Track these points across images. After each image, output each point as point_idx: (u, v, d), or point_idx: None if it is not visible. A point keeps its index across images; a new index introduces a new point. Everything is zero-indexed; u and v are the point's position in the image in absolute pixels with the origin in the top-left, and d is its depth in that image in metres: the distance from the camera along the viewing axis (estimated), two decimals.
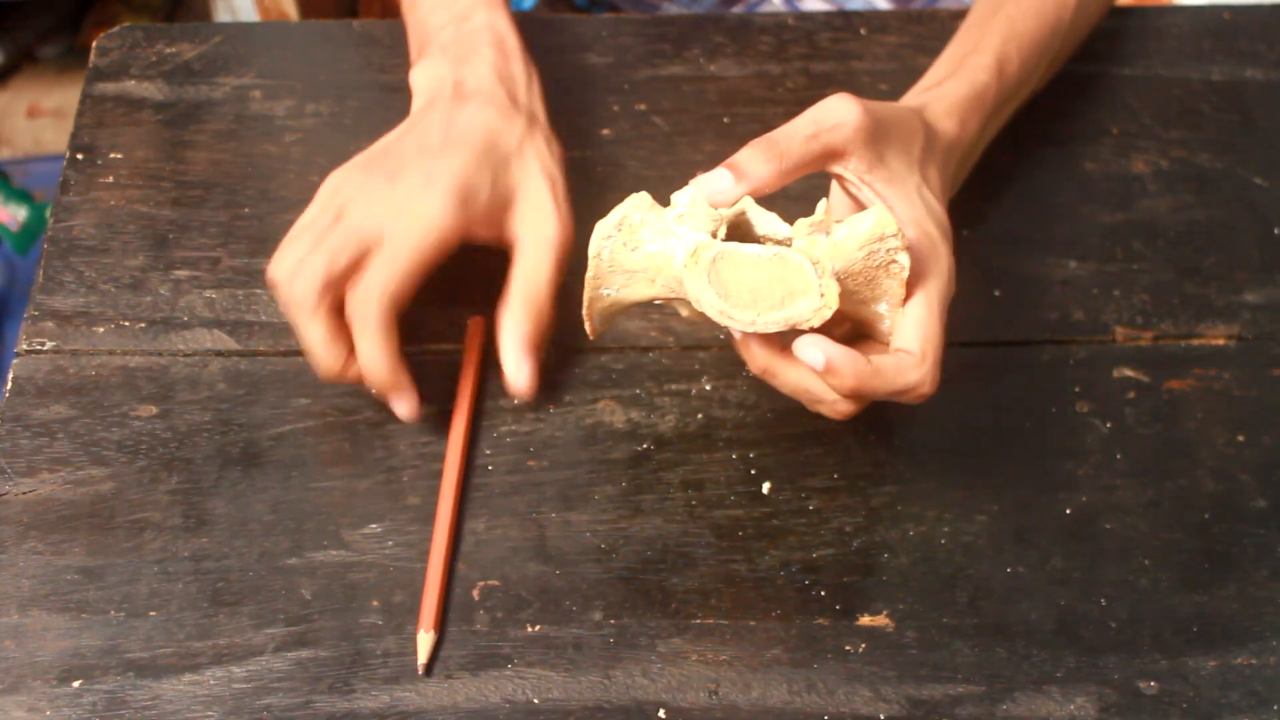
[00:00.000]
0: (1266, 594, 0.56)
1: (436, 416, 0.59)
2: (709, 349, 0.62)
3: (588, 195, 0.66)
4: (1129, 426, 0.60)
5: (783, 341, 0.49)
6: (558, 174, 0.60)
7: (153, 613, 0.53)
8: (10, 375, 0.60)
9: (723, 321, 0.47)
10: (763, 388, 0.56)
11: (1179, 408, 0.61)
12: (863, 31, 0.74)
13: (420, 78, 0.61)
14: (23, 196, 1.50)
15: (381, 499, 0.57)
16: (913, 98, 0.59)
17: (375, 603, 0.54)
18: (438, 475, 0.57)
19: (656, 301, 0.51)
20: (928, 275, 0.50)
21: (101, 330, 0.61)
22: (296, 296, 0.54)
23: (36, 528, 0.55)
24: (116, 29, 0.73)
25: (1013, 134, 0.66)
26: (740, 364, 0.61)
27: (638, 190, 0.49)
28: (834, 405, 0.51)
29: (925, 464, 0.59)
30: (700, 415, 0.60)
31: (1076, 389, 0.61)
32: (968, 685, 0.53)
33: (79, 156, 0.67)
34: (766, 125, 0.50)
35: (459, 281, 0.60)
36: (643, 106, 0.70)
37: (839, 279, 0.48)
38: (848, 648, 0.54)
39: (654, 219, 0.49)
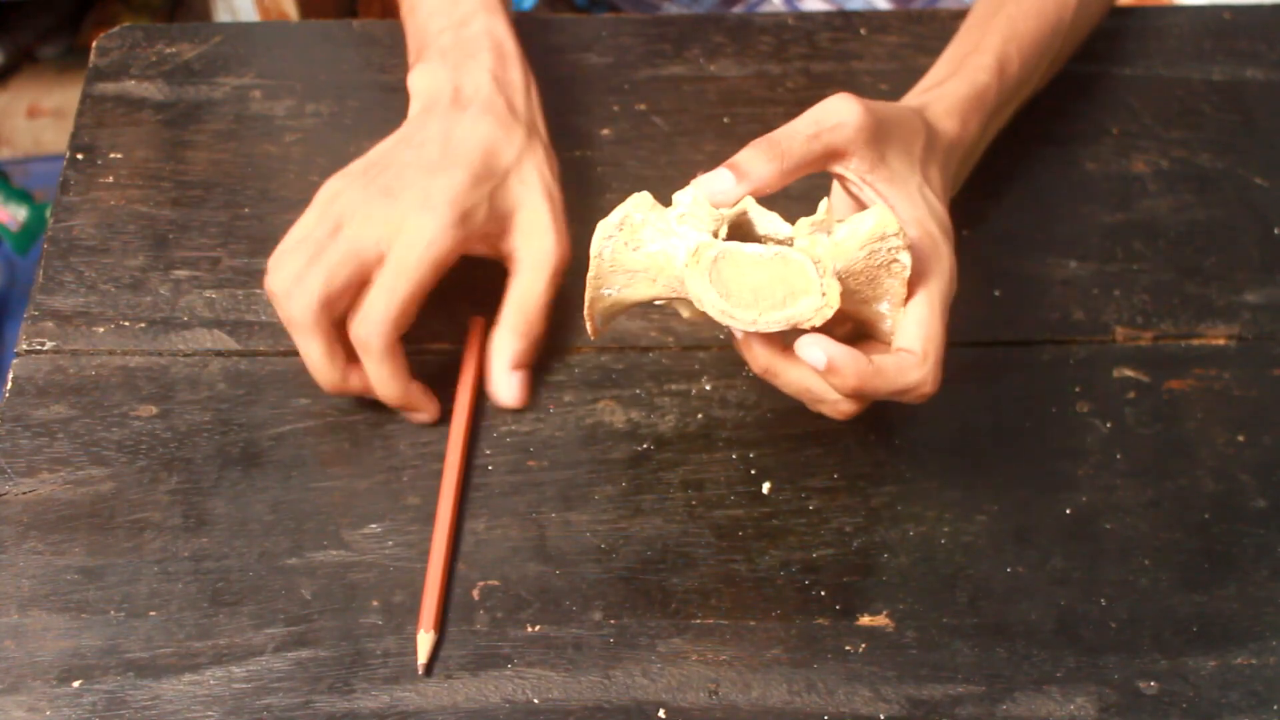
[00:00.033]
0: (1266, 594, 0.56)
1: (439, 417, 0.59)
2: (709, 349, 0.62)
3: (588, 195, 0.66)
4: (1129, 426, 0.60)
5: (784, 341, 0.49)
6: (555, 189, 0.60)
7: (153, 613, 0.53)
8: (10, 375, 0.60)
9: (724, 321, 0.47)
10: (763, 388, 0.56)
11: (1179, 408, 0.61)
12: (863, 31, 0.74)
13: (419, 82, 0.61)
14: (23, 196, 1.50)
15: (381, 499, 0.57)
16: (913, 98, 0.59)
17: (375, 603, 0.54)
18: (438, 475, 0.57)
19: (658, 301, 0.51)
20: (929, 275, 0.50)
21: (101, 330, 0.61)
22: (294, 314, 0.54)
23: (36, 528, 0.55)
24: (116, 29, 0.73)
25: (1013, 134, 0.66)
26: (740, 364, 0.61)
27: (638, 190, 0.49)
28: (835, 405, 0.51)
29: (925, 464, 0.59)
30: (700, 415, 0.60)
31: (1076, 389, 0.61)
32: (968, 685, 0.53)
33: (79, 156, 0.67)
34: (766, 125, 0.50)
35: (458, 282, 0.60)
36: (643, 106, 0.70)
37: (840, 278, 0.48)
38: (848, 648, 0.54)
39: (655, 219, 0.49)
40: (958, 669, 0.53)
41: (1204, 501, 0.58)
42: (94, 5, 1.67)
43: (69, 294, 0.62)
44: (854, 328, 0.52)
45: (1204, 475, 0.59)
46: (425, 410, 0.58)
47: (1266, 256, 0.66)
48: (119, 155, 0.67)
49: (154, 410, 0.59)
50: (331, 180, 0.57)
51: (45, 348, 0.61)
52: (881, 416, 0.59)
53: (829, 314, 0.47)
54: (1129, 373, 0.62)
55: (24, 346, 0.61)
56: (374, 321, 0.54)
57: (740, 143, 0.49)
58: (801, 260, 0.46)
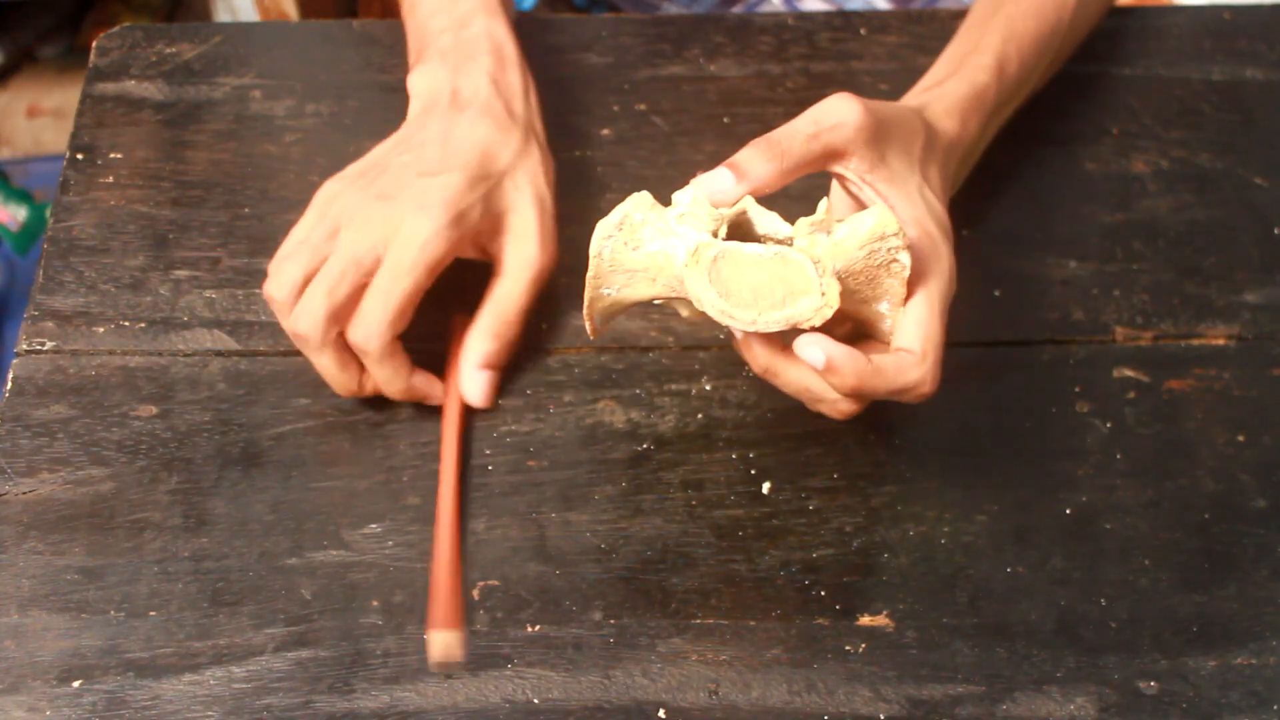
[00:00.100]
0: (1266, 594, 0.56)
1: (437, 417, 0.59)
2: (709, 349, 0.62)
3: (588, 195, 0.66)
4: (1129, 426, 0.60)
5: (784, 341, 0.49)
6: (548, 196, 0.60)
7: (153, 613, 0.53)
8: (10, 375, 0.60)
9: (724, 321, 0.47)
10: (763, 388, 0.56)
11: (1179, 408, 0.61)
12: (863, 31, 0.74)
13: (418, 83, 0.61)
14: (23, 196, 1.50)
15: (381, 499, 0.57)
16: (913, 97, 0.59)
17: (375, 603, 0.54)
18: (437, 475, 0.57)
19: (657, 301, 0.51)
20: (929, 274, 0.50)
21: (101, 330, 0.61)
22: (302, 332, 0.55)
23: (36, 528, 0.55)
24: (116, 29, 0.73)
25: (1013, 134, 0.66)
26: (740, 364, 0.61)
27: (638, 190, 0.49)
28: (835, 405, 0.51)
29: (925, 464, 0.59)
30: (700, 415, 0.60)
31: (1076, 389, 0.61)
32: (968, 685, 0.53)
33: (79, 156, 0.67)
34: (766, 125, 0.50)
35: (453, 283, 0.60)
36: (643, 106, 0.70)
37: (840, 278, 0.48)
38: (848, 648, 0.54)
39: (655, 218, 0.49)
40: (958, 669, 0.53)
41: (1204, 501, 0.58)
42: (94, 5, 1.67)
43: (69, 294, 0.62)
44: (853, 328, 0.52)
45: (1204, 475, 0.59)
46: (430, 399, 0.59)
47: (1266, 256, 0.66)
48: (119, 155, 0.67)
49: (154, 410, 0.59)
50: (329, 183, 0.57)
51: (45, 348, 0.61)
52: (881, 416, 0.59)
53: (828, 314, 0.47)
54: (1129, 373, 0.62)
55: (24, 346, 0.61)
56: (370, 325, 0.55)
57: (740, 143, 0.49)
58: (801, 260, 0.46)
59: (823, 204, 0.48)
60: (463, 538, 0.56)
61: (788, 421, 0.59)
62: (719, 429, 0.59)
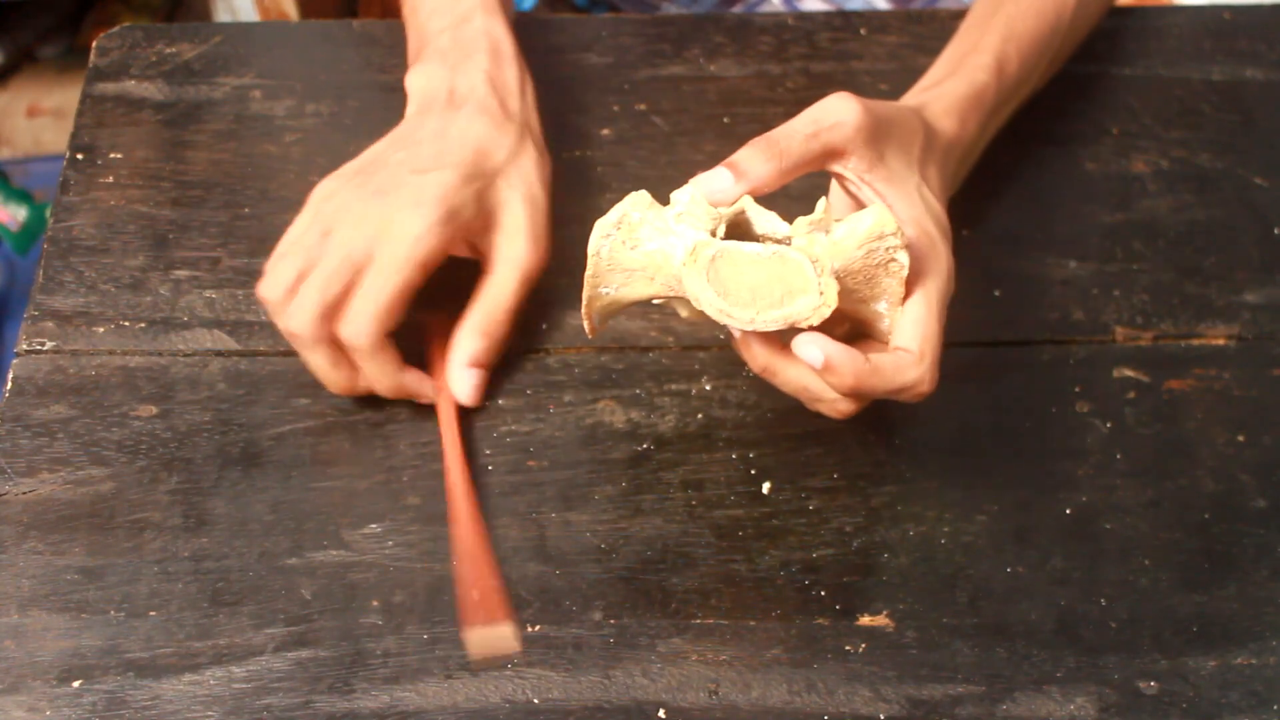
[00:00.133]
0: (1266, 594, 0.56)
1: (436, 415, 0.59)
2: (709, 349, 0.62)
3: (588, 195, 0.66)
4: (1129, 426, 0.60)
5: (782, 340, 0.49)
6: (541, 194, 0.60)
7: (153, 613, 0.53)
8: (10, 375, 0.60)
9: (721, 320, 0.47)
10: (763, 388, 0.56)
11: (1179, 408, 0.61)
12: (863, 31, 0.74)
13: (415, 82, 0.61)
14: (23, 196, 1.50)
15: (381, 499, 0.57)
16: (912, 97, 0.59)
17: (375, 603, 0.54)
18: (438, 475, 0.57)
19: (655, 300, 0.52)
20: (927, 274, 0.50)
21: (101, 330, 0.61)
22: (294, 330, 0.55)
23: (36, 528, 0.55)
24: (116, 29, 0.73)
25: (1013, 134, 0.66)
26: (740, 364, 0.61)
27: (637, 190, 0.49)
28: (834, 404, 0.51)
29: (925, 464, 0.59)
30: (700, 415, 0.60)
31: (1076, 389, 0.61)
32: (968, 685, 0.53)
33: (79, 156, 0.67)
34: (766, 125, 0.50)
35: (454, 280, 0.60)
36: (643, 106, 0.70)
37: (838, 277, 0.48)
38: (848, 648, 0.54)
39: (653, 217, 0.49)
40: (958, 669, 0.53)
41: (1204, 501, 0.58)
42: (94, 5, 1.67)
43: (69, 294, 0.62)
44: (852, 327, 0.52)
45: (1204, 475, 0.59)
46: (422, 397, 0.58)
47: (1266, 256, 0.66)
48: (119, 155, 0.67)
49: (154, 410, 0.59)
50: (325, 182, 0.58)
51: (45, 348, 0.61)
52: (881, 416, 0.59)
53: (826, 313, 0.47)
54: (1129, 373, 0.62)
55: (24, 346, 0.61)
56: (360, 321, 0.54)
57: (740, 142, 0.49)
58: (799, 259, 0.46)
59: (821, 203, 0.48)
60: (488, 530, 0.55)
61: (788, 421, 0.59)
62: (719, 429, 0.59)
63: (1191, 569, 0.56)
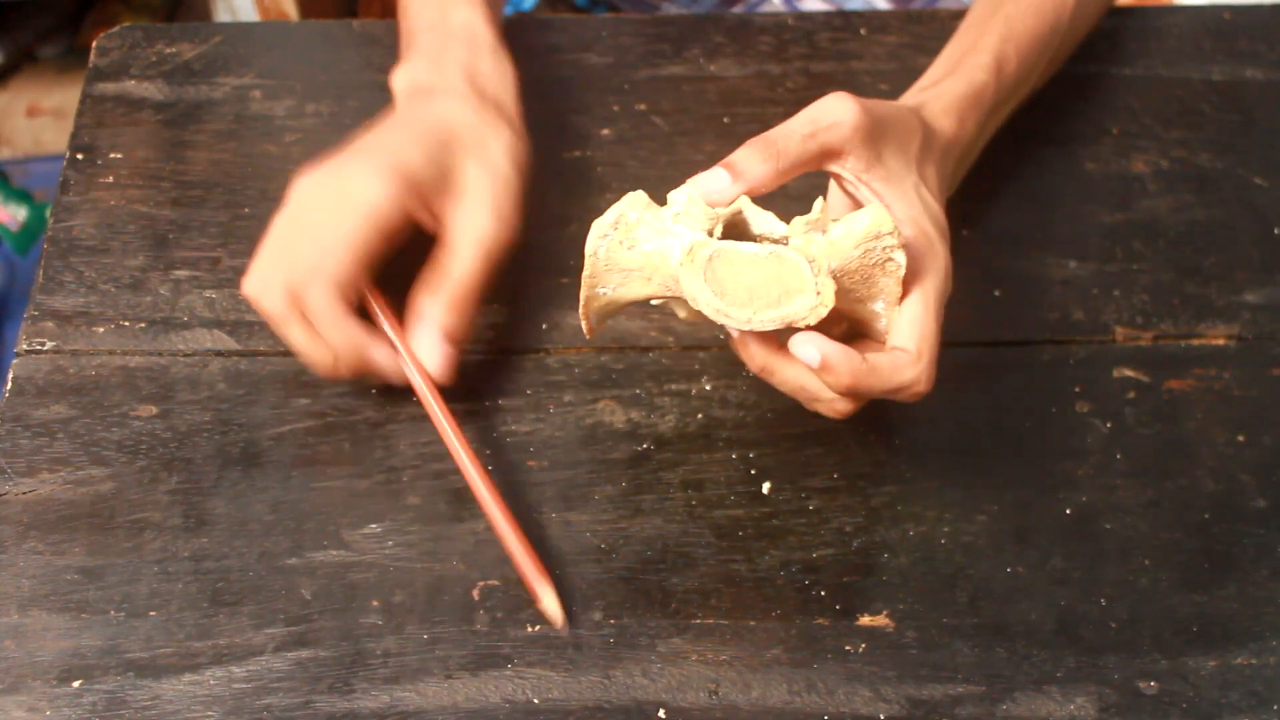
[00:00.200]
0: (1266, 594, 0.56)
1: None
2: (709, 349, 0.62)
3: (588, 195, 0.66)
4: (1129, 426, 0.60)
5: (780, 340, 0.49)
6: (510, 173, 0.59)
7: (153, 613, 0.53)
8: (10, 375, 0.60)
9: (719, 320, 0.47)
10: (763, 388, 0.56)
11: (1179, 408, 0.61)
12: (863, 31, 0.74)
13: (398, 80, 0.62)
14: (23, 196, 1.50)
15: (381, 499, 0.57)
16: (911, 97, 0.59)
17: (375, 603, 0.54)
18: (438, 475, 0.57)
19: (654, 301, 0.52)
20: (924, 274, 0.50)
21: (101, 330, 0.61)
22: (268, 310, 0.55)
23: (36, 528, 0.55)
24: (116, 29, 0.73)
25: (1013, 134, 0.66)
26: (740, 364, 0.61)
27: (636, 190, 0.49)
28: (832, 404, 0.51)
29: (925, 464, 0.59)
30: (700, 415, 0.60)
31: (1076, 389, 0.61)
32: (968, 685, 0.53)
33: (79, 156, 0.67)
34: (766, 125, 0.50)
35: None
36: (643, 106, 0.70)
37: (835, 277, 0.48)
38: (848, 648, 0.54)
39: (650, 217, 0.49)
40: (958, 669, 0.53)
41: (1204, 501, 0.58)
42: (94, 5, 1.67)
43: (69, 294, 0.62)
44: (849, 327, 0.52)
45: (1204, 475, 0.59)
46: (390, 376, 0.57)
47: (1266, 256, 0.66)
48: (119, 155, 0.67)
49: (154, 410, 0.59)
50: (302, 178, 0.58)
51: (45, 348, 0.61)
52: (881, 416, 0.59)
53: (824, 312, 0.47)
54: (1129, 373, 0.62)
55: (24, 346, 0.61)
56: (314, 284, 0.54)
57: (739, 143, 0.49)
58: (796, 259, 0.46)
59: (818, 203, 0.48)
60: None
61: (788, 421, 0.59)
62: (719, 429, 0.59)
63: (1191, 569, 0.56)
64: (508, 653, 0.53)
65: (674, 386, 0.60)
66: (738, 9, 0.89)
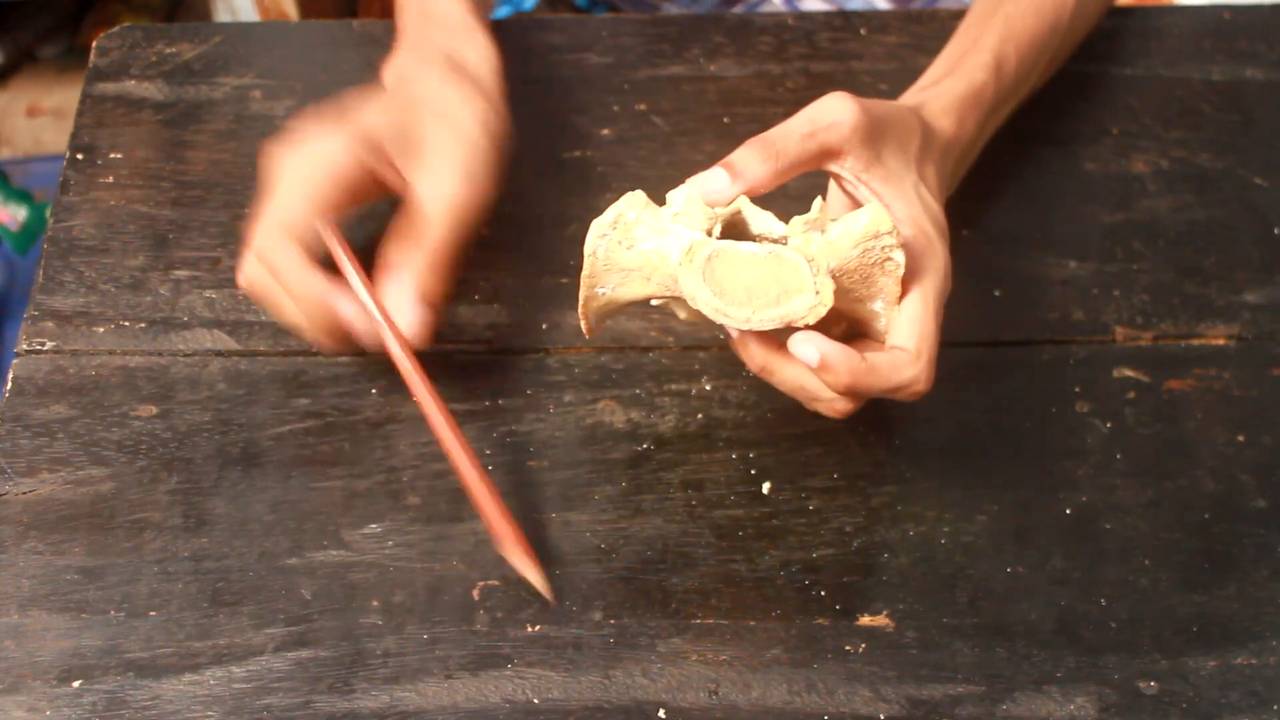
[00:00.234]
0: (1266, 594, 0.56)
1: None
2: (709, 349, 0.62)
3: (588, 195, 0.66)
4: (1129, 426, 0.60)
5: (779, 339, 0.49)
6: (483, 141, 0.58)
7: (153, 613, 0.53)
8: (10, 375, 0.60)
9: (718, 319, 0.47)
10: (763, 388, 0.56)
11: (1179, 408, 0.61)
12: (863, 31, 0.74)
13: (387, 74, 0.62)
14: (23, 196, 1.50)
15: (381, 499, 0.57)
16: (910, 96, 0.59)
17: (375, 603, 0.54)
18: (438, 475, 0.57)
19: (653, 301, 0.52)
20: (923, 273, 0.50)
21: (101, 330, 0.61)
22: (251, 283, 0.55)
23: (36, 528, 0.55)
24: (116, 29, 0.73)
25: (1013, 134, 0.66)
26: (740, 364, 0.61)
27: (635, 190, 0.49)
28: (831, 403, 0.51)
29: (925, 464, 0.59)
30: (700, 415, 0.60)
31: (1076, 389, 0.61)
32: (968, 685, 0.53)
33: (79, 156, 0.67)
34: (766, 125, 0.50)
35: (460, 278, 0.60)
36: (643, 106, 0.70)
37: (834, 276, 0.48)
38: (848, 648, 0.54)
39: (649, 217, 0.49)
40: (958, 669, 0.53)
41: (1204, 501, 0.58)
42: (94, 5, 1.67)
43: (69, 294, 0.62)
44: (849, 326, 0.52)
45: (1204, 475, 0.59)
46: (360, 335, 0.56)
47: (1266, 256, 0.66)
48: (119, 155, 0.67)
49: (154, 410, 0.59)
50: (269, 155, 0.58)
51: (45, 348, 0.61)
52: (882, 416, 0.59)
53: (822, 312, 0.47)
54: (1129, 373, 0.62)
55: (24, 346, 0.61)
56: (267, 232, 0.54)
57: (739, 143, 0.49)
58: (795, 259, 0.46)
59: (817, 202, 0.48)
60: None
61: (788, 421, 0.59)
62: (719, 429, 0.59)
63: (1191, 569, 0.56)
64: (508, 653, 0.53)
65: (674, 386, 0.60)
66: (738, 9, 0.89)
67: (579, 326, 0.62)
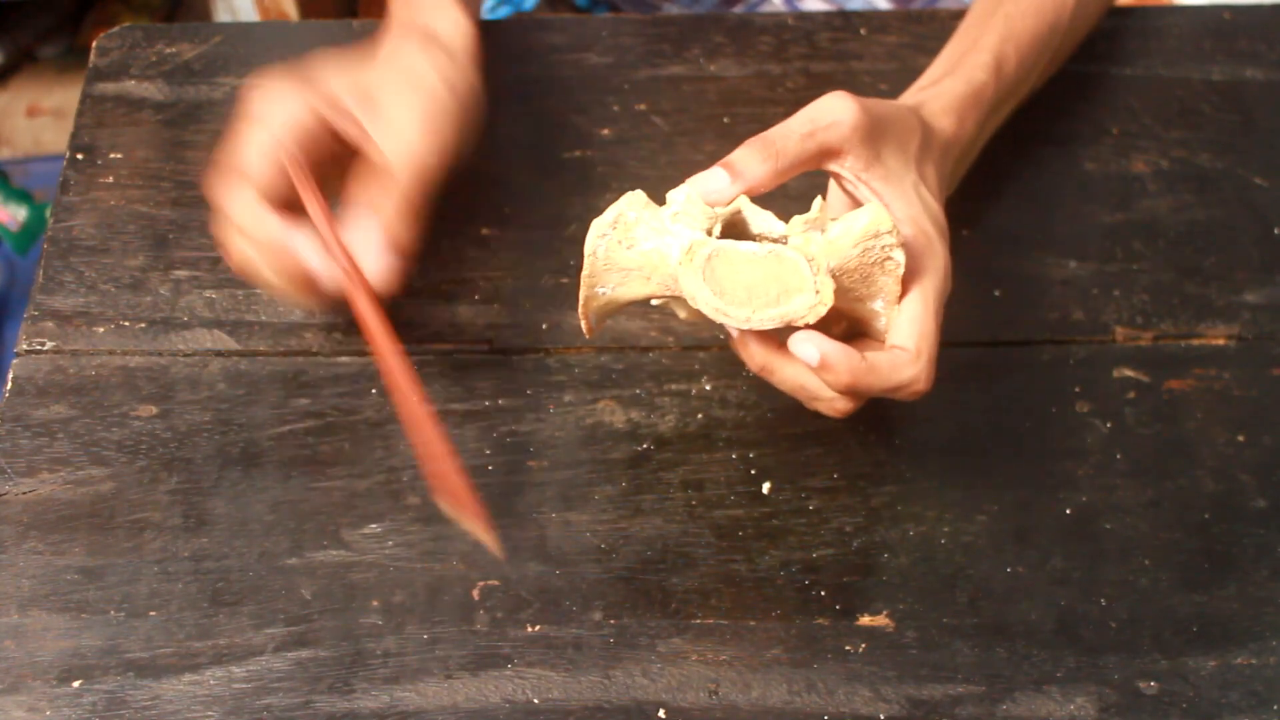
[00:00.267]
0: (1266, 594, 0.56)
1: (439, 414, 0.59)
2: (709, 349, 0.62)
3: (588, 195, 0.66)
4: (1129, 426, 0.60)
5: (779, 339, 0.49)
6: (444, 93, 0.57)
7: (153, 613, 0.53)
8: (10, 375, 0.60)
9: (718, 319, 0.47)
10: (763, 388, 0.56)
11: (1179, 408, 0.61)
12: (863, 31, 0.74)
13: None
14: (23, 196, 1.50)
15: (381, 499, 0.57)
16: (910, 96, 0.59)
17: (375, 603, 0.54)
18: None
19: (653, 301, 0.52)
20: (923, 272, 0.50)
21: (101, 330, 0.61)
22: (223, 243, 0.55)
23: (36, 528, 0.55)
24: (116, 29, 0.73)
25: (1013, 134, 0.66)
26: (740, 364, 0.61)
27: (635, 190, 0.49)
28: (831, 402, 0.51)
29: (925, 464, 0.59)
30: (700, 415, 0.60)
31: (1076, 389, 0.61)
32: (968, 685, 0.53)
33: (79, 156, 0.67)
34: (766, 125, 0.50)
35: (456, 278, 0.60)
36: (643, 106, 0.70)
37: (834, 276, 0.48)
38: (848, 648, 0.54)
39: (649, 217, 0.49)
40: (958, 669, 0.53)
41: (1204, 501, 0.58)
42: (94, 5, 1.67)
43: (69, 294, 0.62)
44: (849, 326, 0.52)
45: (1204, 475, 0.59)
46: (319, 273, 0.55)
47: (1266, 256, 0.66)
48: (119, 155, 0.67)
49: (154, 410, 0.59)
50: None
51: (45, 348, 0.61)
52: (882, 416, 0.59)
53: (822, 311, 0.47)
54: (1129, 373, 0.62)
55: (24, 346, 0.61)
56: (222, 183, 0.54)
57: (739, 143, 0.49)
58: (795, 258, 0.46)
59: (817, 202, 0.48)
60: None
61: (788, 421, 0.59)
62: (719, 429, 0.59)
63: (1191, 569, 0.56)
64: (508, 653, 0.53)
65: (674, 386, 0.60)
66: (738, 9, 0.89)
67: (579, 326, 0.62)
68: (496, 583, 0.55)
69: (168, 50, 0.72)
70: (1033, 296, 0.64)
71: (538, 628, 0.54)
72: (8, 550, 0.55)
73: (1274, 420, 0.60)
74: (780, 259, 0.46)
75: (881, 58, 0.72)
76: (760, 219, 0.48)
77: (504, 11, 0.96)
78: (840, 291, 0.48)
